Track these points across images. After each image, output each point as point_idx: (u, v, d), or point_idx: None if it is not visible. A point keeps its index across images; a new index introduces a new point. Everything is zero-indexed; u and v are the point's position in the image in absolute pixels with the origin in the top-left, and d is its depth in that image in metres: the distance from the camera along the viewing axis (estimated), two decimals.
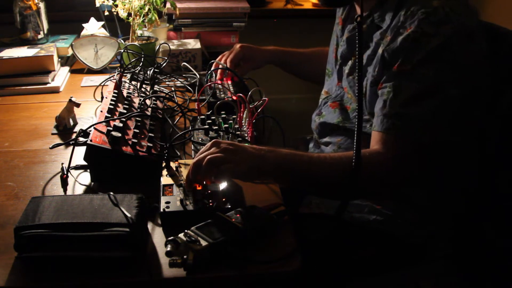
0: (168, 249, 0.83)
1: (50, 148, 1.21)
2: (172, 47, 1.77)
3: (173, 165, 1.08)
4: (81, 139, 1.12)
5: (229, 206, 0.95)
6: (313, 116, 1.40)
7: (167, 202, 0.95)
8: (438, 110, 1.02)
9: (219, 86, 1.52)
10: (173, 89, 1.58)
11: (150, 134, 1.18)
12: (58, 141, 1.30)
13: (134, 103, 1.34)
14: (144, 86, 1.49)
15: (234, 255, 0.85)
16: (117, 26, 1.91)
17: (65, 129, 1.36)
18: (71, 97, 1.34)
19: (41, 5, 1.88)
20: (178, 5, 1.86)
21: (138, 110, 1.28)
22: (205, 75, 1.57)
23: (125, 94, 1.38)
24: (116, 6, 1.73)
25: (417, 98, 1.02)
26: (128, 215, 0.84)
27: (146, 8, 1.72)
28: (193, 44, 1.84)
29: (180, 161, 1.10)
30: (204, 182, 0.99)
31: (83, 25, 1.88)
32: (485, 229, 1.23)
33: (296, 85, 2.47)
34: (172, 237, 0.84)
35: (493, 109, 1.17)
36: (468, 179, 1.20)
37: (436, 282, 1.21)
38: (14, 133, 1.36)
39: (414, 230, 1.17)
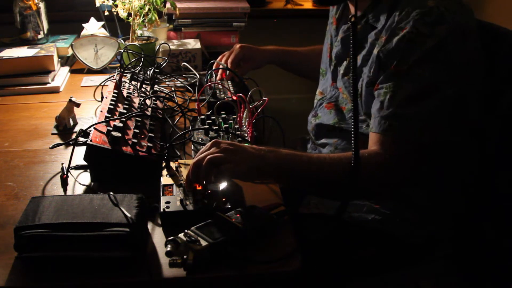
0: (168, 249, 0.83)
1: (50, 148, 1.21)
2: (172, 47, 1.77)
3: (173, 165, 1.08)
4: (81, 139, 1.12)
5: (229, 206, 0.95)
6: (309, 118, 1.40)
7: (167, 202, 0.95)
8: (435, 110, 1.02)
9: (219, 86, 1.52)
10: (173, 89, 1.58)
11: (150, 134, 1.18)
12: (58, 141, 1.30)
13: (134, 103, 1.34)
14: (144, 86, 1.49)
15: (234, 255, 0.85)
16: (117, 26, 1.91)
17: (65, 129, 1.36)
18: (71, 97, 1.34)
19: (41, 5, 1.89)
20: (178, 5, 1.86)
21: (138, 110, 1.28)
22: (205, 75, 1.57)
23: (125, 94, 1.38)
24: (116, 6, 1.73)
25: (414, 99, 1.02)
26: (128, 215, 0.84)
27: (146, 8, 1.72)
28: (193, 44, 1.84)
29: (180, 161, 1.10)
30: (204, 182, 0.99)
31: (83, 25, 1.88)
32: (485, 229, 1.23)
33: (296, 85, 2.47)
34: (172, 237, 0.84)
35: (493, 109, 1.17)
36: (468, 179, 1.20)
37: (436, 282, 1.21)
38: (14, 133, 1.36)
39: (414, 230, 1.17)
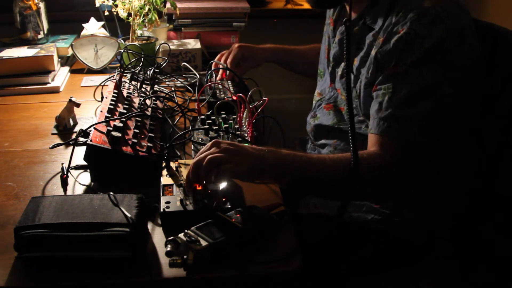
0: (168, 249, 0.83)
1: (50, 148, 1.21)
2: (172, 47, 1.77)
3: (173, 165, 1.08)
4: (81, 139, 1.12)
5: (229, 206, 0.95)
6: (307, 119, 1.40)
7: (167, 202, 0.95)
8: (434, 110, 1.02)
9: (219, 86, 1.52)
10: (173, 89, 1.58)
11: (150, 134, 1.18)
12: (58, 141, 1.30)
13: (134, 103, 1.34)
14: (144, 86, 1.49)
15: (234, 255, 0.85)
16: (117, 26, 1.91)
17: (65, 129, 1.36)
18: (71, 97, 1.34)
19: (41, 5, 1.89)
20: (178, 5, 1.86)
21: (138, 110, 1.28)
22: (205, 75, 1.57)
23: (125, 94, 1.38)
24: (116, 6, 1.73)
25: (412, 99, 1.02)
26: (128, 215, 0.84)
27: (146, 8, 1.72)
28: (193, 44, 1.84)
29: (180, 161, 1.10)
30: (204, 182, 0.99)
31: (83, 25, 1.88)
32: (485, 229, 1.23)
33: (296, 85, 2.47)
34: (172, 237, 0.84)
35: (493, 109, 1.17)
36: (468, 179, 1.20)
37: (436, 282, 1.21)
38: (14, 133, 1.36)
39: (414, 229, 1.17)
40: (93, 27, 1.87)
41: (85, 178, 1.12)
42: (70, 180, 1.08)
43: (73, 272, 0.83)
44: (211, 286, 0.85)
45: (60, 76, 1.73)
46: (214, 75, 1.58)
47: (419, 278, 1.20)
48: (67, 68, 1.82)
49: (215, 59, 1.64)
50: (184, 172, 1.05)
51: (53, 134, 1.35)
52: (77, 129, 1.36)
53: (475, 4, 2.20)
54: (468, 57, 1.05)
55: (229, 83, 1.54)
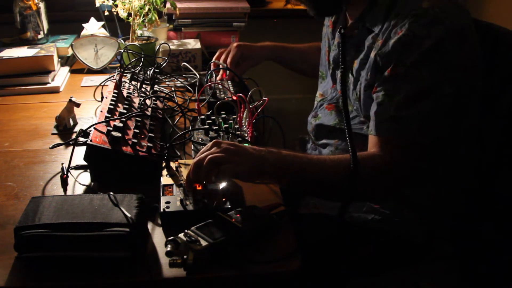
0: (168, 249, 0.83)
1: (50, 148, 1.21)
2: (172, 47, 1.77)
3: (173, 165, 1.08)
4: (81, 139, 1.12)
5: (229, 206, 0.95)
6: (308, 119, 1.40)
7: (167, 202, 0.95)
8: (434, 111, 1.02)
9: (219, 86, 1.52)
10: (173, 89, 1.58)
11: (150, 134, 1.18)
12: (58, 141, 1.30)
13: (134, 103, 1.34)
14: (144, 86, 1.49)
15: (234, 255, 0.85)
16: (117, 26, 1.91)
17: (65, 129, 1.36)
18: (71, 97, 1.34)
19: (41, 5, 1.89)
20: (178, 5, 1.86)
21: (138, 110, 1.28)
22: (205, 75, 1.57)
23: (125, 94, 1.38)
24: (116, 6, 1.73)
25: (412, 100, 1.02)
26: (128, 215, 0.84)
27: (146, 8, 1.72)
28: (193, 44, 1.84)
29: (180, 161, 1.10)
30: (205, 182, 0.99)
31: (83, 25, 1.88)
32: (485, 229, 1.23)
33: (296, 85, 2.47)
34: (172, 237, 0.84)
35: (493, 109, 1.17)
36: (468, 179, 1.20)
37: (436, 282, 1.21)
38: (14, 133, 1.36)
39: (414, 229, 1.17)
40: (93, 27, 1.87)
41: (85, 178, 1.12)
42: (70, 180, 1.08)
43: (73, 272, 0.83)
44: (211, 286, 0.85)
45: (60, 76, 1.73)
46: (214, 75, 1.58)
47: (419, 278, 1.20)
48: (67, 68, 1.82)
49: (214, 57, 1.64)
50: (184, 172, 1.05)
51: (53, 134, 1.35)
52: (77, 129, 1.36)
53: (475, 4, 2.20)
54: (467, 57, 1.05)
55: (229, 83, 1.54)
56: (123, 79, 1.48)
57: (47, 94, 1.63)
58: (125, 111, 1.22)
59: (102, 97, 1.49)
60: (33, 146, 1.28)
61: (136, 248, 0.84)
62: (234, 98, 1.32)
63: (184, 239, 0.83)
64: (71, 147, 1.12)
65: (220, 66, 1.58)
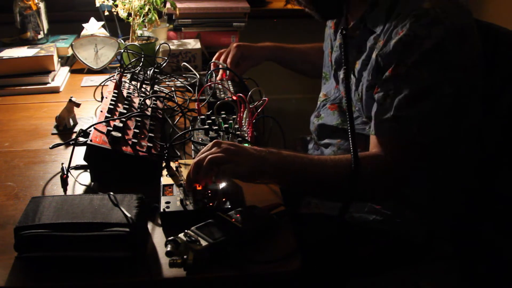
0: (168, 249, 0.83)
1: (50, 148, 1.21)
2: (172, 47, 1.77)
3: (173, 165, 1.08)
4: (81, 139, 1.12)
5: (229, 206, 0.95)
6: (311, 118, 1.40)
7: (167, 202, 0.95)
8: (435, 111, 1.02)
9: (219, 86, 1.52)
10: (173, 89, 1.58)
11: (150, 134, 1.18)
12: (58, 141, 1.30)
13: (134, 103, 1.34)
14: (144, 86, 1.49)
15: (234, 255, 0.85)
16: (117, 26, 1.91)
17: (65, 129, 1.36)
18: (71, 97, 1.34)
19: (41, 5, 1.89)
20: (178, 5, 1.86)
21: (138, 110, 1.28)
22: (205, 75, 1.57)
23: (125, 94, 1.38)
24: (116, 6, 1.73)
25: (412, 100, 1.02)
26: (128, 215, 0.84)
27: (146, 8, 1.72)
28: (193, 44, 1.84)
29: (180, 161, 1.10)
30: (205, 182, 0.99)
31: (83, 25, 1.88)
32: (485, 229, 1.23)
33: (296, 85, 2.47)
34: (172, 237, 0.84)
35: (493, 109, 1.17)
36: (468, 179, 1.20)
37: (436, 282, 1.21)
38: (14, 133, 1.36)
39: (414, 229, 1.17)
40: (93, 27, 1.87)
41: (85, 178, 1.12)
42: (70, 180, 1.08)
43: (73, 272, 0.83)
44: (211, 286, 0.85)
45: (60, 76, 1.73)
46: (214, 75, 1.58)
47: (419, 278, 1.20)
48: (67, 68, 1.82)
49: (214, 58, 1.64)
50: (184, 172, 1.05)
51: (53, 134, 1.35)
52: (77, 129, 1.36)
53: (475, 4, 2.20)
54: (468, 57, 1.05)
55: (229, 83, 1.54)
56: (123, 79, 1.48)
57: (47, 94, 1.63)
58: (125, 111, 1.22)
59: (102, 97, 1.49)
60: (33, 146, 1.28)
61: (136, 248, 0.84)
62: (234, 98, 1.32)
63: (184, 239, 0.83)
64: (71, 147, 1.12)
65: (220, 66, 1.58)
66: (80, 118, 1.40)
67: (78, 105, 1.35)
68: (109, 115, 1.17)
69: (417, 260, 1.20)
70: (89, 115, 1.45)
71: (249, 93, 1.35)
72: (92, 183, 1.09)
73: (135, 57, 1.62)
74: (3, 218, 0.98)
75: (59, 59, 1.82)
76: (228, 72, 1.57)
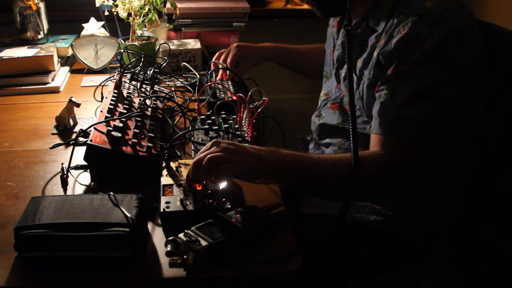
0: (168, 249, 0.83)
1: (50, 148, 1.21)
2: (172, 47, 1.77)
3: (173, 165, 1.08)
4: (81, 139, 1.12)
5: (229, 206, 0.95)
6: (312, 118, 1.40)
7: (167, 202, 0.95)
8: (435, 110, 1.02)
9: (219, 86, 1.52)
10: (173, 89, 1.58)
11: (150, 134, 1.18)
12: (58, 141, 1.30)
13: (134, 103, 1.34)
14: (144, 86, 1.49)
15: (234, 255, 0.85)
16: (117, 26, 1.91)
17: (65, 129, 1.36)
18: (71, 97, 1.34)
19: (41, 5, 1.88)
20: (178, 5, 1.86)
21: (138, 110, 1.28)
22: (205, 75, 1.57)
23: (125, 94, 1.38)
24: (116, 6, 1.73)
25: (413, 99, 1.02)
26: (128, 215, 0.84)
27: (146, 8, 1.72)
28: (193, 44, 1.84)
29: (180, 161, 1.10)
30: (204, 182, 0.99)
31: (83, 25, 1.88)
32: (485, 229, 1.23)
33: (296, 85, 2.47)
34: (172, 237, 0.84)
35: (493, 109, 1.17)
36: (468, 179, 1.20)
37: (436, 282, 1.21)
38: (14, 133, 1.36)
39: (414, 229, 1.17)
40: (93, 27, 1.87)
41: (85, 178, 1.12)
42: (70, 180, 1.08)
43: (73, 272, 0.83)
44: (211, 286, 0.85)
45: (60, 76, 1.73)
46: (214, 75, 1.58)
47: (419, 278, 1.20)
48: (67, 68, 1.82)
49: (214, 58, 1.64)
50: (184, 172, 1.05)
51: (53, 134, 1.35)
52: (77, 129, 1.36)
53: (475, 4, 2.20)
54: (469, 57, 1.05)
55: (229, 83, 1.54)
56: (123, 79, 1.48)
57: (47, 94, 1.63)
58: (125, 111, 1.22)
59: (102, 97, 1.49)
60: (33, 146, 1.28)
61: (136, 248, 0.84)
62: (234, 98, 1.32)
63: (184, 239, 0.83)
64: (71, 147, 1.12)
65: (220, 66, 1.58)
66: (80, 118, 1.40)
67: (78, 105, 1.35)
68: (109, 115, 1.17)
69: (417, 260, 1.20)
70: (89, 115, 1.45)
71: (249, 93, 1.35)
72: (92, 183, 1.09)
73: (135, 57, 1.62)
74: (3, 218, 0.98)
75: (59, 59, 1.82)
76: (228, 72, 1.57)
